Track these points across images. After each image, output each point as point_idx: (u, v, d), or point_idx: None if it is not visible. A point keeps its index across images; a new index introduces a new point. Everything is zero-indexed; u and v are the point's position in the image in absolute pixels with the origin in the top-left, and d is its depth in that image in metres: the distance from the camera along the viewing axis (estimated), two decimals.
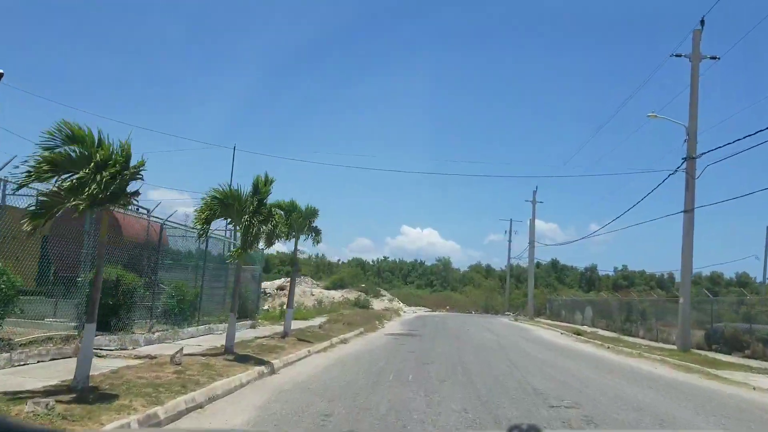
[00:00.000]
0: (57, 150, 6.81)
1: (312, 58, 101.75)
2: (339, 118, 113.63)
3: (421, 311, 60.88)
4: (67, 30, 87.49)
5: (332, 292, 61.76)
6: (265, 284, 64.86)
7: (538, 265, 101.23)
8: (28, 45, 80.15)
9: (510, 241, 65.41)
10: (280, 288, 62.88)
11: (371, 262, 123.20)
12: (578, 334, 30.01)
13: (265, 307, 50.50)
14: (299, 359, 12.72)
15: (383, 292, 72.67)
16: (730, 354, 20.48)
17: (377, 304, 57.26)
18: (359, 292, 65.26)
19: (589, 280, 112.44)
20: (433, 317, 43.90)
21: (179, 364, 9.30)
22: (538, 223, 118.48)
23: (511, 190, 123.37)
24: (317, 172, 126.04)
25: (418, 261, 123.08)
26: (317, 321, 26.13)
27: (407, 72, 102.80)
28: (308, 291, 61.66)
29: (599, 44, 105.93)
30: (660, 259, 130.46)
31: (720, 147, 19.22)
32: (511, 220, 65.24)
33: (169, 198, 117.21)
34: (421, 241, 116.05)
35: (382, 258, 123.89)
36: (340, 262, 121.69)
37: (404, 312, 54.60)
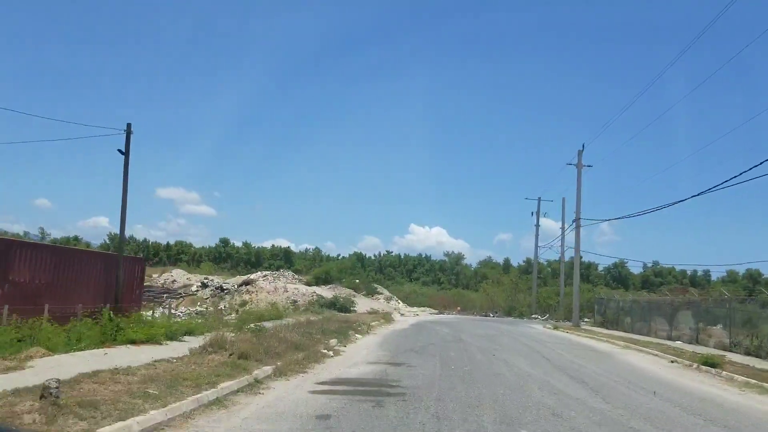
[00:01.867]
0: None
1: (318, 62, 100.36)
2: (342, 120, 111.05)
3: (425, 314, 46.24)
4: (71, 29, 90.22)
5: (314, 289, 47.37)
6: (226, 279, 50.40)
7: (559, 261, 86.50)
8: (35, 43, 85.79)
9: (537, 225, 50.59)
10: (246, 283, 48.36)
11: (372, 257, 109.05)
12: (713, 366, 15.31)
13: (193, 310, 36.13)
14: None
15: (380, 289, 58.05)
16: None
17: (367, 305, 42.63)
18: (347, 289, 50.75)
19: (617, 277, 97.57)
20: (440, 325, 29.20)
21: None
22: (546, 222, 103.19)
23: (519, 190, 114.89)
24: (321, 171, 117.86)
25: (425, 255, 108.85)
26: (187, 346, 11.69)
27: (411, 75, 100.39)
28: (282, 287, 47.24)
29: (599, 49, 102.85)
30: (681, 255, 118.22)
31: None
32: (539, 198, 50.44)
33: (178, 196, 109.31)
34: (429, 239, 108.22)
35: (385, 252, 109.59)
36: (339, 257, 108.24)
37: (402, 315, 40.05)
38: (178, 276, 49.79)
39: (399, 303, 53.84)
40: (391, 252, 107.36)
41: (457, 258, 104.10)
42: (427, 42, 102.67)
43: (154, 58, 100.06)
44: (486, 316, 48.35)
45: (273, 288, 45.79)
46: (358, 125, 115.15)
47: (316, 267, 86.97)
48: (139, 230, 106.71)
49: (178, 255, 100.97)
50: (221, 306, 41.49)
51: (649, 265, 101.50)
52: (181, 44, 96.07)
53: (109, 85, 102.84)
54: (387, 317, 29.74)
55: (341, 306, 31.70)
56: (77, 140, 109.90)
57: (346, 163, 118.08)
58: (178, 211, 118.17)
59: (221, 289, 42.96)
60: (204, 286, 43.51)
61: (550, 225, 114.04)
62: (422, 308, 52.35)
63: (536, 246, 50.65)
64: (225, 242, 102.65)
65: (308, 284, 52.41)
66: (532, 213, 50.38)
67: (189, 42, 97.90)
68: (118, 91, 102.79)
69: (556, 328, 33.48)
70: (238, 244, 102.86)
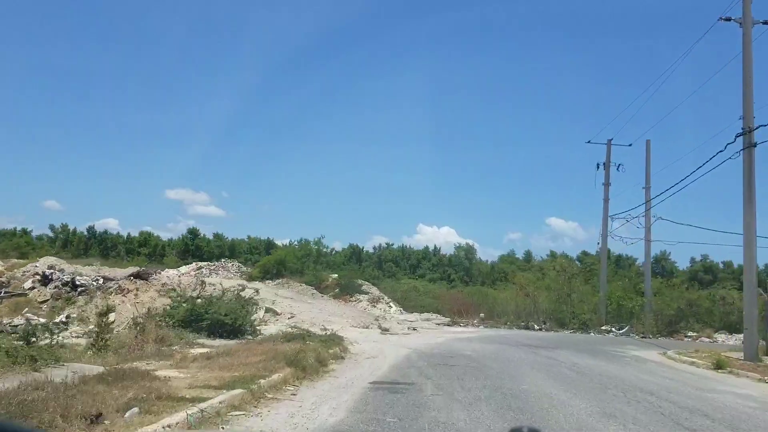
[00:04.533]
0: None
1: (321, 57, 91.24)
2: (342, 118, 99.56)
3: (429, 326, 26.93)
4: (70, 28, 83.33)
5: (255, 286, 28.56)
6: (90, 272, 30.02)
7: (585, 255, 66.94)
8: (31, 41, 78.56)
9: (607, 183, 31.02)
10: (138, 276, 29.28)
11: (371, 250, 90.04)
12: None
13: None
14: None
15: (366, 287, 38.70)
16: None
17: (326, 313, 23.52)
18: (306, 286, 31.67)
19: (660, 273, 77.53)
20: (467, 394, 10.03)
21: None
22: (556, 223, 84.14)
23: (523, 186, 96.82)
24: (326, 170, 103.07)
25: (432, 248, 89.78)
26: None
27: (409, 71, 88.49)
28: (195, 283, 28.21)
29: (602, 41, 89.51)
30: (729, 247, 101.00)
31: None
32: (609, 141, 30.89)
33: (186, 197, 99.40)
34: (438, 239, 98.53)
35: (385, 245, 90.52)
36: (333, 252, 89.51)
37: (385, 331, 20.76)
38: (44, 266, 30.89)
39: (391, 307, 34.63)
40: (393, 245, 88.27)
41: (468, 250, 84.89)
42: (430, 35, 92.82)
43: (152, 58, 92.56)
44: (527, 328, 29.03)
45: (179, 284, 26.73)
46: (362, 122, 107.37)
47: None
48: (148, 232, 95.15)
49: (139, 248, 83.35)
50: (63, 315, 22.75)
51: (698, 259, 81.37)
52: (180, 42, 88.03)
53: (108, 87, 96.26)
54: (322, 355, 10.48)
55: (216, 321, 12.65)
56: (82, 141, 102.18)
57: (352, 162, 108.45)
58: (187, 212, 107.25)
59: (73, 285, 23.96)
60: (46, 280, 24.56)
61: (560, 225, 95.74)
62: (426, 315, 33.09)
63: (605, 218, 31.02)
64: (193, 233, 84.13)
65: (251, 279, 33.53)
66: (598, 165, 30.92)
67: (188, 39, 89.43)
68: (118, 92, 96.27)
69: (720, 366, 13.99)
70: (209, 235, 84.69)
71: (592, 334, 28.29)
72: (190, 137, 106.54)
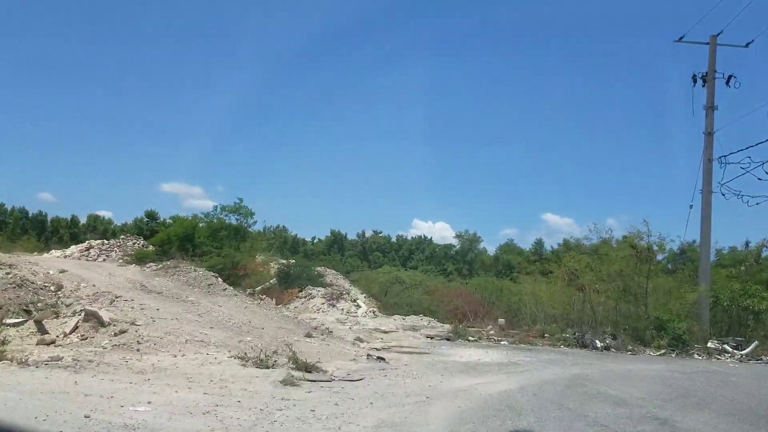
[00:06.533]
0: None
1: (320, 54, 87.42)
2: (339, 115, 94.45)
3: (415, 340, 14.73)
4: (67, 22, 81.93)
5: (121, 272, 16.04)
6: None
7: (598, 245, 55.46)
8: (28, 35, 78.45)
9: (711, 105, 18.71)
10: None
11: (356, 238, 77.96)
12: None
13: None
14: None
15: (331, 277, 26.61)
16: None
17: (204, 319, 11.53)
18: (197, 271, 19.06)
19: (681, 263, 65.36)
20: None
21: None
22: (550, 217, 78.11)
23: (522, 185, 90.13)
24: (321, 168, 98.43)
25: (425, 238, 77.72)
26: None
27: (406, 70, 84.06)
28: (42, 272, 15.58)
29: (601, 42, 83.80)
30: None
31: None
32: (714, 38, 18.72)
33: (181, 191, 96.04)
34: (434, 234, 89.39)
35: (372, 233, 78.33)
36: (315, 240, 77.74)
37: (302, 380, 8.59)
38: None
39: (359, 307, 22.35)
40: (380, 233, 76.01)
41: (472, 239, 72.81)
42: (428, 35, 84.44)
43: (150, 53, 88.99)
44: (583, 345, 16.82)
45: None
46: (358, 120, 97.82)
47: (285, 249, 56.03)
48: (96, 215, 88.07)
49: (86, 234, 71.33)
50: None
51: (722, 249, 68.63)
52: (178, 37, 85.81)
53: (104, 81, 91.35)
54: None
55: None
56: (77, 134, 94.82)
57: (348, 159, 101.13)
58: (182, 205, 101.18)
59: None
60: None
61: (555, 221, 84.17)
62: (413, 319, 20.77)
63: (707, 162, 18.73)
64: (151, 216, 71.77)
65: (132, 262, 21.19)
66: (695, 77, 18.63)
67: (186, 35, 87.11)
68: (114, 86, 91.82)
69: None
70: (168, 218, 72.49)
71: (697, 357, 16.15)
72: (188, 132, 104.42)
